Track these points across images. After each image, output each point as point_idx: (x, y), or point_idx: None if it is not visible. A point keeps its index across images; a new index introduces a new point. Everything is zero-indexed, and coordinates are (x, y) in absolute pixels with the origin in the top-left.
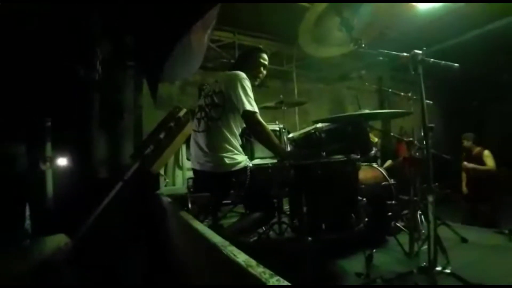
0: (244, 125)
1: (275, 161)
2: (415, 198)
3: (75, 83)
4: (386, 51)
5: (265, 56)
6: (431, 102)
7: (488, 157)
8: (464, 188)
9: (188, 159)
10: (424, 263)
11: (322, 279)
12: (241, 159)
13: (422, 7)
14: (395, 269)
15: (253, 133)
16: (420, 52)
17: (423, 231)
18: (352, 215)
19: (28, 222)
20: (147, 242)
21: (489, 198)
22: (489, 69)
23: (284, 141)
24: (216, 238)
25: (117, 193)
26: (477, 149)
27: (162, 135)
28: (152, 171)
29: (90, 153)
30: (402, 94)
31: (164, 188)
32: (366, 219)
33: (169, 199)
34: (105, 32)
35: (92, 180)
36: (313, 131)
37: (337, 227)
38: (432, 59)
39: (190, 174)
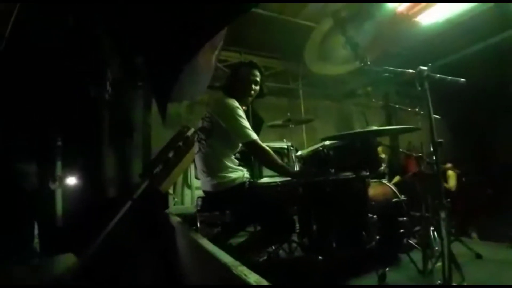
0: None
1: (284, 179)
2: (427, 214)
3: (85, 103)
4: (391, 68)
5: (256, 72)
6: (438, 116)
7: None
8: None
9: (197, 178)
10: (439, 281)
11: None
12: (236, 176)
13: (425, 23)
14: None
15: (258, 159)
16: (426, 68)
17: (436, 248)
18: (363, 232)
19: (36, 240)
20: (156, 261)
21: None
22: (496, 82)
23: (293, 159)
24: (226, 258)
25: (126, 212)
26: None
27: (170, 154)
28: (161, 190)
29: (100, 172)
30: (409, 109)
31: (173, 207)
32: (378, 237)
33: (178, 218)
34: (116, 52)
35: (101, 199)
36: (321, 148)
37: (347, 245)
38: (438, 75)
39: (199, 193)
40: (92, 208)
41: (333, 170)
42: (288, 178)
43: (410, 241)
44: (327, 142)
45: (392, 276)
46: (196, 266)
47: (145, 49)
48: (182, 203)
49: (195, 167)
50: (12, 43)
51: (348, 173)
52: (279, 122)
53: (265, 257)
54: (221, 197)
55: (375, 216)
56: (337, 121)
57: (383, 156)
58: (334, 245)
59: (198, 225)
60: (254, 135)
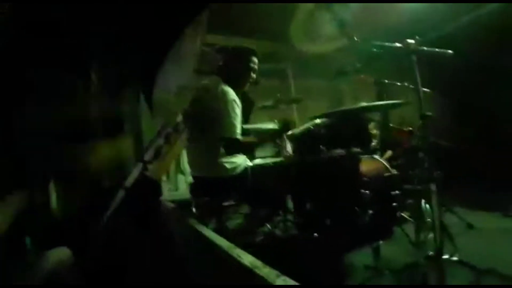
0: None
1: (276, 159)
2: (418, 187)
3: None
4: (378, 42)
5: (255, 59)
6: (428, 90)
7: None
8: None
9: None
10: (431, 252)
11: (330, 275)
12: (240, 161)
13: None
14: (403, 260)
15: (240, 152)
16: (413, 41)
17: (428, 220)
18: (356, 208)
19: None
20: (151, 248)
21: None
22: (490, 53)
23: (284, 139)
24: (222, 242)
25: (119, 201)
26: None
27: (161, 142)
28: (154, 178)
29: (91, 165)
30: (399, 84)
31: (167, 194)
32: (371, 212)
33: (172, 205)
34: (100, 42)
35: (94, 191)
36: (312, 127)
37: (341, 221)
38: (425, 48)
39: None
40: (85, 201)
41: (324, 148)
42: (280, 158)
43: (403, 214)
44: (318, 120)
45: (386, 249)
46: (192, 250)
47: (128, 36)
48: (176, 189)
49: (187, 153)
50: None
51: (340, 150)
52: (269, 103)
53: (262, 237)
54: (224, 183)
55: (368, 192)
56: (329, 101)
57: (374, 132)
58: (328, 222)
59: (193, 210)
60: (238, 134)
